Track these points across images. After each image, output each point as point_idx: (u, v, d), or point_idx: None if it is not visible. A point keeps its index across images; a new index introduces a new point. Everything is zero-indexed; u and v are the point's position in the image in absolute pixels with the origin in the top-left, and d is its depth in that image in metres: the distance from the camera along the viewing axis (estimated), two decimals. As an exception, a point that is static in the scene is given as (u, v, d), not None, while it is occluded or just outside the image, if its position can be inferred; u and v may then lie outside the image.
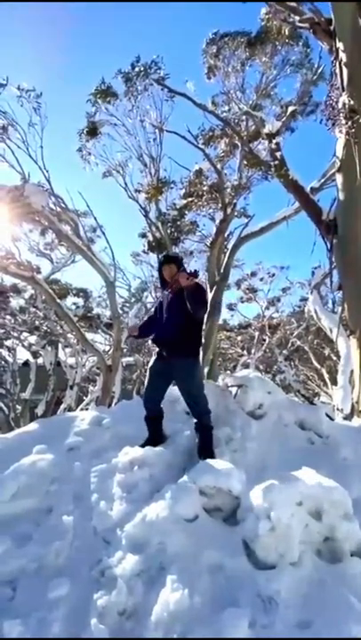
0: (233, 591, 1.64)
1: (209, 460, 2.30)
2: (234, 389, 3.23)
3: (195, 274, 2.46)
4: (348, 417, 5.77)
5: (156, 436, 2.76)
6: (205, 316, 6.18)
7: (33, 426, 3.01)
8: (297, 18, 3.03)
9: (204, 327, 5.88)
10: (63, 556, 1.77)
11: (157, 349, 2.81)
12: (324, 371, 10.50)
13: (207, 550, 1.82)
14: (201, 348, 2.96)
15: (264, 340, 13.50)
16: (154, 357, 2.83)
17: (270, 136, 3.63)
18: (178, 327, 2.58)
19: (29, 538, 1.87)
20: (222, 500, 2.13)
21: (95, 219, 6.47)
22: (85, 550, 1.82)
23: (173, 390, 2.99)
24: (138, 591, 1.59)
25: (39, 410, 9.17)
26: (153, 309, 2.90)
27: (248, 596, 1.60)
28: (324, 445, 2.81)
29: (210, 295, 6.14)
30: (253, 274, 13.79)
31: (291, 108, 4.39)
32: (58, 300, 5.21)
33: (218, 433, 2.80)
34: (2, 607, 1.53)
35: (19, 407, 10.18)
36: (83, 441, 2.73)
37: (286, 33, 5.80)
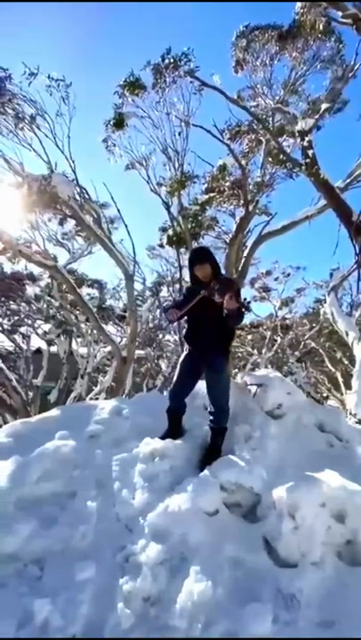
0: (254, 586, 1.66)
1: (230, 456, 2.31)
2: (253, 388, 3.23)
3: (247, 306, 2.30)
4: (362, 422, 5.71)
5: (175, 430, 2.77)
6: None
7: (54, 412, 3.07)
8: (339, 13, 2.96)
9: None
10: (88, 540, 1.81)
11: (190, 346, 2.80)
12: (338, 374, 10.38)
13: (228, 544, 1.84)
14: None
15: (275, 341, 13.39)
16: (185, 352, 2.83)
17: (303, 134, 3.56)
18: (213, 330, 2.57)
19: (55, 520, 1.91)
20: (242, 497, 2.15)
21: (118, 211, 6.47)
22: (109, 535, 1.86)
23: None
24: (162, 579, 1.62)
25: (52, 397, 9.32)
26: (182, 296, 2.82)
27: (269, 592, 1.62)
28: (343, 449, 2.79)
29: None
30: (268, 273, 13.62)
31: (324, 106, 4.30)
32: (78, 290, 5.27)
33: (237, 430, 2.80)
34: (31, 585, 1.58)
35: (30, 393, 10.37)
36: (103, 429, 2.76)
37: (320, 28, 5.66)
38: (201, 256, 2.63)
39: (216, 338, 2.58)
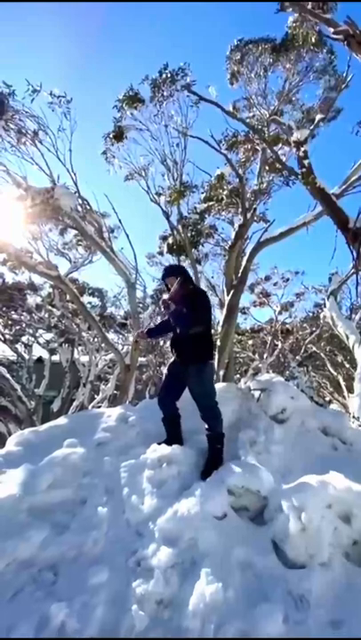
0: (264, 588, 1.70)
1: (236, 461, 2.35)
2: (257, 393, 3.28)
3: (165, 302, 2.60)
4: (365, 425, 5.73)
5: (174, 437, 2.75)
6: (222, 321, 6.24)
7: (62, 420, 3.12)
8: (331, 29, 3.08)
9: (220, 330, 5.95)
10: (100, 546, 1.85)
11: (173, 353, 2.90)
12: (340, 378, 10.41)
13: (237, 547, 1.88)
14: (214, 353, 3.01)
15: (276, 345, 13.42)
16: (172, 359, 2.90)
17: (298, 144, 3.66)
18: (185, 337, 2.69)
19: (67, 527, 1.95)
20: (250, 500, 2.19)
21: (119, 220, 6.58)
22: (120, 541, 1.90)
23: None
24: (173, 582, 1.66)
25: (55, 406, 9.34)
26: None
27: (279, 593, 1.66)
28: (347, 452, 2.83)
29: (227, 299, 6.18)
30: (268, 278, 13.72)
31: (319, 116, 4.42)
32: (81, 300, 5.33)
33: (241, 435, 2.84)
34: (46, 590, 1.62)
35: (32, 403, 10.39)
36: (110, 437, 2.81)
37: (313, 40, 5.83)
38: (165, 272, 2.92)
39: (189, 344, 2.68)
